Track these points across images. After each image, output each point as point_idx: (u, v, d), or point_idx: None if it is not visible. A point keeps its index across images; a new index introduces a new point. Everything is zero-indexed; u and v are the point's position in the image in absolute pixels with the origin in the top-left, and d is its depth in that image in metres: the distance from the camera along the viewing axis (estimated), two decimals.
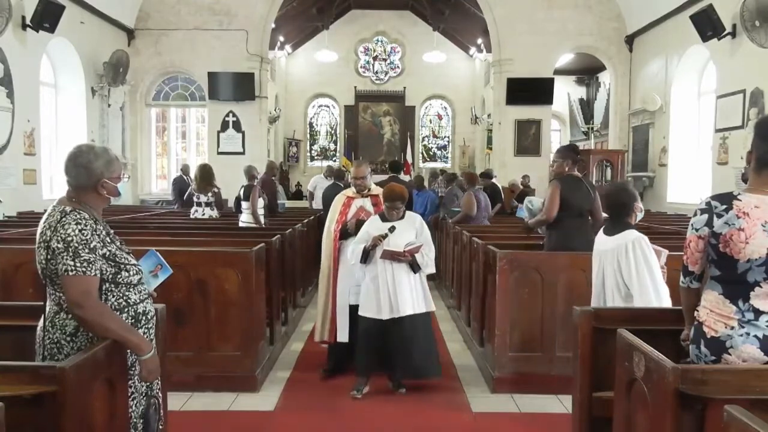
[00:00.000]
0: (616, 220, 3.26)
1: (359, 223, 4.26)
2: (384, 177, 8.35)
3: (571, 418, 2.85)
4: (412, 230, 4.08)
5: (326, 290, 4.45)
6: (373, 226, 4.08)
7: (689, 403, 1.88)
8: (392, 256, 3.94)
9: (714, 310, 2.12)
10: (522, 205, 5.98)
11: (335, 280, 4.39)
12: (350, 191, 4.57)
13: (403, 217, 4.10)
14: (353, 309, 4.23)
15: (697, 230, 2.14)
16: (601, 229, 3.36)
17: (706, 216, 2.11)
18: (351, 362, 4.32)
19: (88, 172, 2.17)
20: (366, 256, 4.00)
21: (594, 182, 11.00)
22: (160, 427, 2.45)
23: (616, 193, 3.31)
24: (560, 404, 3.95)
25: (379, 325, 3.99)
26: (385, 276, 3.97)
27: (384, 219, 4.11)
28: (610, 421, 2.38)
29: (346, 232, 4.36)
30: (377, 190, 4.51)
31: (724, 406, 1.53)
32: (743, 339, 2.03)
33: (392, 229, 3.97)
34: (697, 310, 2.20)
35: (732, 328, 2.06)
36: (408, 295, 3.99)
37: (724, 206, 2.08)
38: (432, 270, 4.14)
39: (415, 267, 4.02)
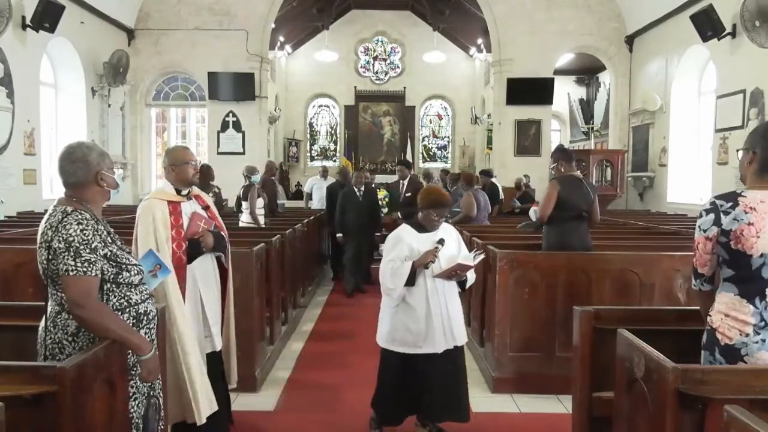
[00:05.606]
0: None
1: (214, 237, 3.05)
2: (385, 177, 8.34)
3: (571, 418, 2.85)
4: (454, 242, 3.43)
5: (189, 345, 2.88)
6: (416, 239, 3.31)
7: (689, 403, 1.87)
8: (455, 272, 3.25)
9: (730, 313, 2.07)
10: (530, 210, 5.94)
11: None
12: (169, 193, 3.08)
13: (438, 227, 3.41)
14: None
15: (704, 231, 2.10)
16: None
17: (712, 215, 2.09)
18: None
19: (87, 165, 2.18)
20: (413, 277, 3.26)
21: (594, 182, 11.04)
22: (160, 427, 2.45)
23: None
24: (560, 404, 3.96)
25: (426, 359, 3.29)
26: (437, 300, 3.27)
27: (420, 229, 3.37)
28: (610, 421, 2.38)
29: (196, 253, 3.00)
30: (197, 191, 3.25)
31: (724, 406, 1.52)
32: (759, 346, 2.00)
33: (442, 242, 3.26)
34: (710, 315, 2.14)
35: (747, 335, 2.01)
36: (460, 320, 3.40)
37: (730, 203, 2.06)
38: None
39: (464, 285, 3.42)
